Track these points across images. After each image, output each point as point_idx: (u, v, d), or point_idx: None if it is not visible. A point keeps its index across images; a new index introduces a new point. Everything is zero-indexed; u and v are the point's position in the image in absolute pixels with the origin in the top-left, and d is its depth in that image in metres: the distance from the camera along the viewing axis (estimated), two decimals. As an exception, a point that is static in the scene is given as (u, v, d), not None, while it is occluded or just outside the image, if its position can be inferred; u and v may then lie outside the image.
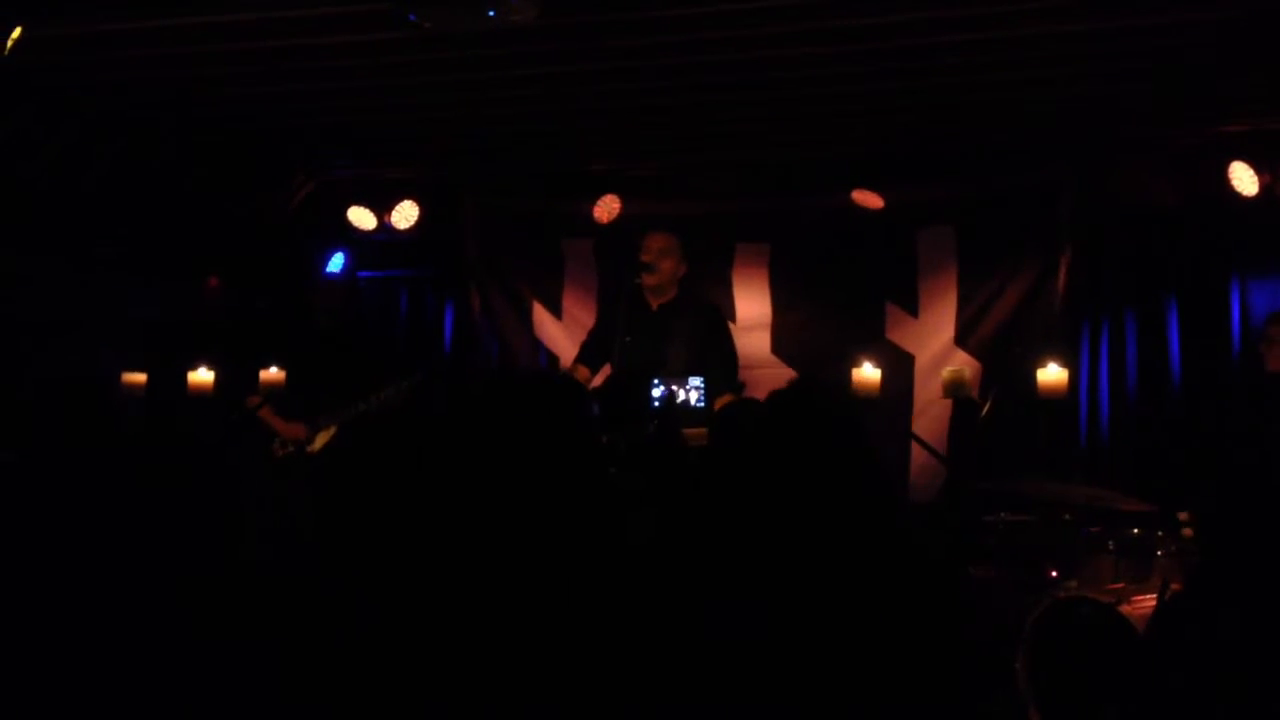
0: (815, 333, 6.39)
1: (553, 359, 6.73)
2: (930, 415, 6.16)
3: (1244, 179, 5.71)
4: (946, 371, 5.57)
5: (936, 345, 6.27)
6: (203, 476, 2.43)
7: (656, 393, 4.99)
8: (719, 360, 5.53)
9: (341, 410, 5.67)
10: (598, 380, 5.57)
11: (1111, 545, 4.73)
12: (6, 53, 4.02)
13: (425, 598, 1.97)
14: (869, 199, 6.22)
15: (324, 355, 5.75)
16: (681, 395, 5.07)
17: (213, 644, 2.11)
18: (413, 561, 2.03)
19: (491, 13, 3.70)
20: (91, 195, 5.80)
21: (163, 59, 4.81)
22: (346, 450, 2.51)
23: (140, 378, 5.53)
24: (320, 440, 5.66)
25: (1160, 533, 4.62)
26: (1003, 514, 5.14)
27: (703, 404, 5.03)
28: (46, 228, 5.69)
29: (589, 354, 5.81)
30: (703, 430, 5.00)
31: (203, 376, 5.45)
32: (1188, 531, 4.43)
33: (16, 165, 5.38)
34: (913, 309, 6.35)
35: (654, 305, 5.64)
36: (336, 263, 7.00)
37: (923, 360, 6.26)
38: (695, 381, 5.08)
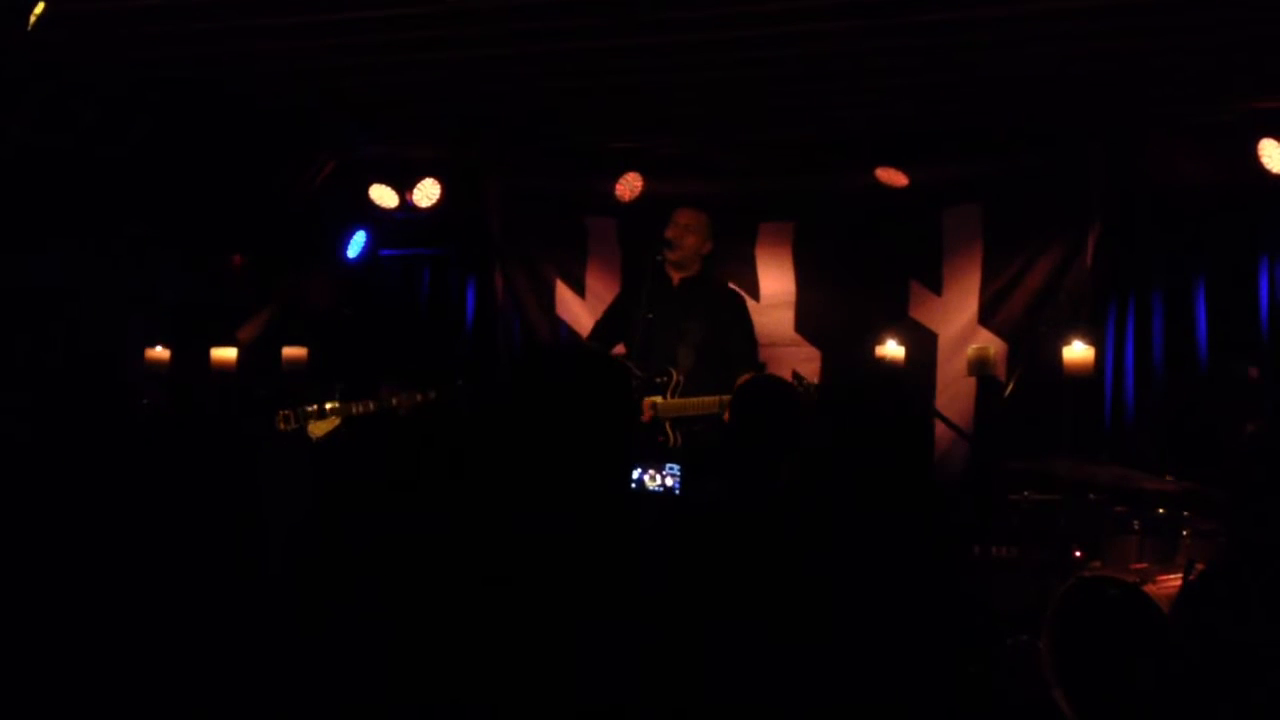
0: (839, 311, 6.36)
1: (573, 335, 6.73)
2: (953, 393, 6.11)
3: (1274, 156, 5.61)
4: (971, 349, 5.55)
5: (960, 323, 6.22)
6: (220, 453, 2.43)
7: (635, 474, 4.83)
8: (741, 341, 5.62)
9: (345, 406, 5.66)
10: None
11: (1137, 525, 4.71)
12: (29, 29, 4.03)
13: (454, 592, 1.92)
14: (894, 177, 6.17)
15: (338, 344, 5.72)
16: (658, 481, 4.92)
17: (223, 631, 2.10)
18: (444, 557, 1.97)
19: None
20: (118, 172, 5.82)
21: (189, 35, 4.81)
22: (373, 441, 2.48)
23: (164, 354, 5.57)
24: (322, 429, 5.63)
25: (1186, 513, 4.60)
26: (1027, 493, 5.13)
27: (678, 491, 4.85)
28: (74, 204, 5.71)
29: (601, 332, 5.84)
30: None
31: (225, 354, 5.47)
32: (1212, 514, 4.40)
33: (44, 141, 5.39)
34: (937, 287, 6.31)
35: (675, 279, 5.66)
36: (358, 242, 7.02)
37: (946, 338, 6.21)
38: (673, 469, 4.95)
